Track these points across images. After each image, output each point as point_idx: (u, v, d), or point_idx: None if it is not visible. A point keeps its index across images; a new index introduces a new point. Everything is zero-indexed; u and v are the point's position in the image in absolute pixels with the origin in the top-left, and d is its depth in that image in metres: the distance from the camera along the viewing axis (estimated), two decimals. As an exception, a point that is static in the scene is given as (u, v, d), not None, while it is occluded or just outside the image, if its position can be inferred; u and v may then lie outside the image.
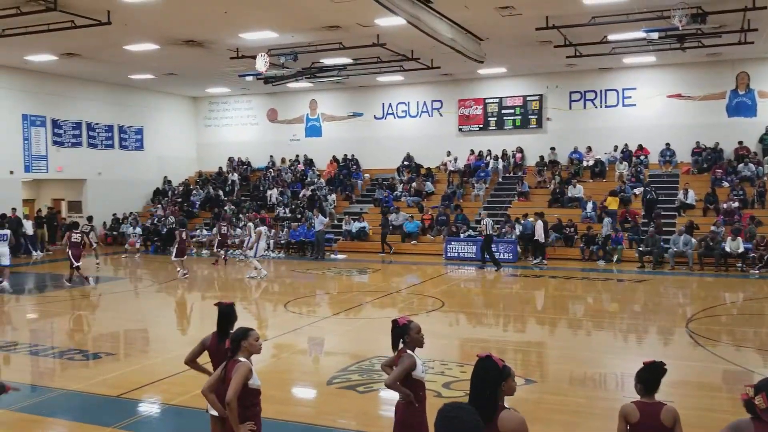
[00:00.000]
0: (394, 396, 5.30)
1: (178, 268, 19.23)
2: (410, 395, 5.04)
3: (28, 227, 25.36)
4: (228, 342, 5.05)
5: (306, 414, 8.18)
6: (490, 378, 3.73)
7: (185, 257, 19.68)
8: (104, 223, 29.24)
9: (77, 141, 28.54)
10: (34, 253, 24.96)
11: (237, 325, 5.43)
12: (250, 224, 19.93)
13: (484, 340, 12.16)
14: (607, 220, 22.51)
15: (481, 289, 18.78)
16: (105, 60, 23.97)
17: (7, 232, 17.29)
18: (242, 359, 4.92)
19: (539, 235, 22.03)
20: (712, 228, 20.90)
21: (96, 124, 29.35)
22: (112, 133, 30.23)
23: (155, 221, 28.35)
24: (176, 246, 19.41)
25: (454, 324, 13.67)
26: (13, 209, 24.76)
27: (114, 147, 30.31)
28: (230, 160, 33.58)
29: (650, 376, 4.35)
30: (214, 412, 5.20)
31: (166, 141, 33.05)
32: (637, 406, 4.28)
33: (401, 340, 5.23)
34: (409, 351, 5.16)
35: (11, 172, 25.38)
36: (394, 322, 5.28)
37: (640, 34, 19.17)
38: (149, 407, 8.31)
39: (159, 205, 30.31)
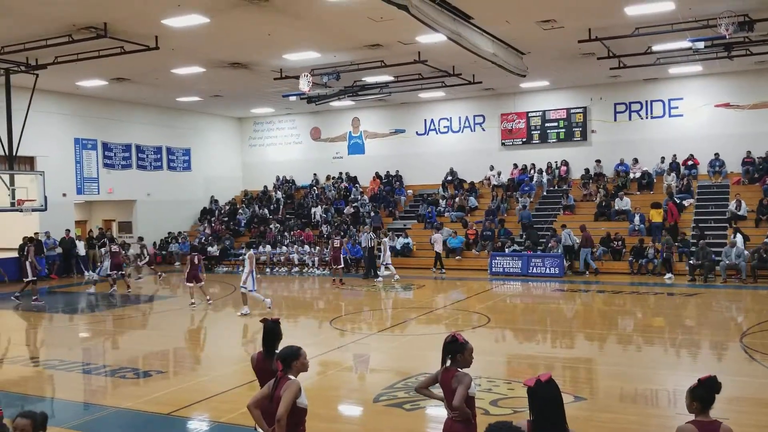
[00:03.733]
0: (441, 414, 5.26)
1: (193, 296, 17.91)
2: (470, 415, 4.99)
3: (81, 248, 26.05)
4: (278, 363, 5.08)
5: (353, 432, 8.19)
6: (560, 398, 3.68)
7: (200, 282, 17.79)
8: (154, 242, 29.88)
9: (127, 163, 29.28)
10: (86, 273, 25.58)
11: (283, 342, 5.48)
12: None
13: (531, 356, 12.01)
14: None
15: (528, 304, 18.57)
16: (153, 84, 24.59)
17: None
18: (292, 377, 4.96)
19: (438, 247, 23.99)
20: (766, 240, 20.35)
21: (145, 146, 30.08)
22: (161, 155, 30.94)
23: (202, 240, 28.85)
24: (188, 270, 17.71)
25: (500, 340, 13.55)
26: (67, 230, 25.52)
27: (162, 168, 31.01)
28: (277, 178, 33.98)
29: (707, 393, 4.17)
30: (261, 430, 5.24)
31: (213, 161, 33.68)
32: (696, 426, 4.08)
33: (450, 357, 5.18)
34: (462, 369, 5.12)
35: (64, 195, 26.12)
36: (453, 337, 5.19)
37: (686, 44, 18.85)
38: (199, 425, 8.42)
39: (206, 224, 30.87)
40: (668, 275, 20.97)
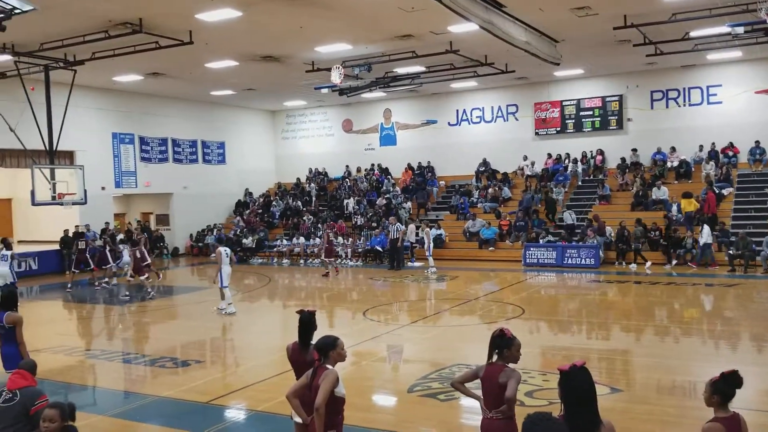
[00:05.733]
0: (476, 404, 5.25)
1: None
2: (514, 412, 5.00)
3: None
4: (315, 352, 5.14)
5: (388, 421, 8.24)
6: (594, 387, 3.67)
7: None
8: (190, 234, 30.36)
9: (163, 157, 29.70)
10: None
11: (318, 333, 5.53)
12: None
13: (566, 347, 11.93)
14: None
15: (563, 295, 18.43)
16: (188, 78, 24.87)
17: (8, 253, 17.24)
18: (329, 367, 5.02)
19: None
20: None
21: (180, 140, 30.47)
22: (196, 149, 31.32)
23: (238, 232, 29.18)
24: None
25: (534, 332, 13.46)
26: (107, 223, 25.98)
27: (198, 162, 31.38)
28: (310, 170, 34.17)
29: (729, 387, 4.11)
30: (298, 419, 5.30)
31: (247, 154, 33.97)
32: (722, 423, 4.01)
33: (497, 352, 5.16)
34: (510, 365, 5.10)
35: (103, 188, 26.60)
36: (500, 331, 5.19)
37: (725, 29, 18.45)
38: (236, 413, 8.56)
39: (241, 217, 31.20)
40: (632, 265, 21.53)
